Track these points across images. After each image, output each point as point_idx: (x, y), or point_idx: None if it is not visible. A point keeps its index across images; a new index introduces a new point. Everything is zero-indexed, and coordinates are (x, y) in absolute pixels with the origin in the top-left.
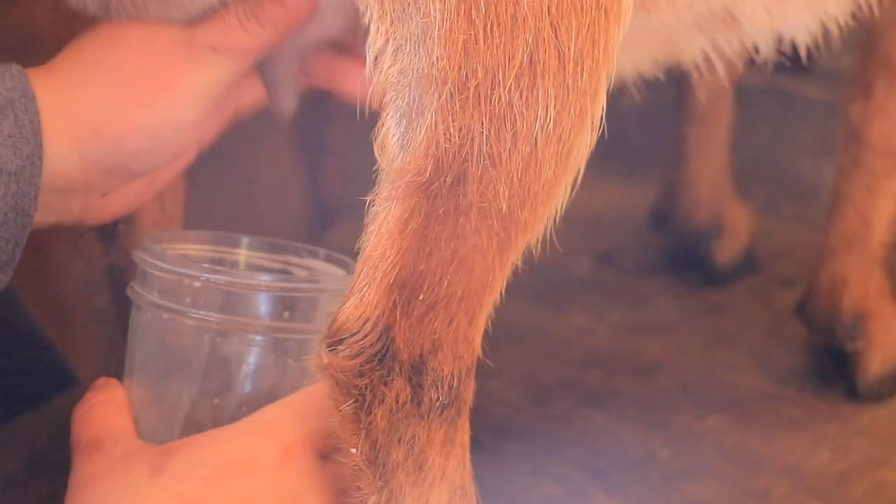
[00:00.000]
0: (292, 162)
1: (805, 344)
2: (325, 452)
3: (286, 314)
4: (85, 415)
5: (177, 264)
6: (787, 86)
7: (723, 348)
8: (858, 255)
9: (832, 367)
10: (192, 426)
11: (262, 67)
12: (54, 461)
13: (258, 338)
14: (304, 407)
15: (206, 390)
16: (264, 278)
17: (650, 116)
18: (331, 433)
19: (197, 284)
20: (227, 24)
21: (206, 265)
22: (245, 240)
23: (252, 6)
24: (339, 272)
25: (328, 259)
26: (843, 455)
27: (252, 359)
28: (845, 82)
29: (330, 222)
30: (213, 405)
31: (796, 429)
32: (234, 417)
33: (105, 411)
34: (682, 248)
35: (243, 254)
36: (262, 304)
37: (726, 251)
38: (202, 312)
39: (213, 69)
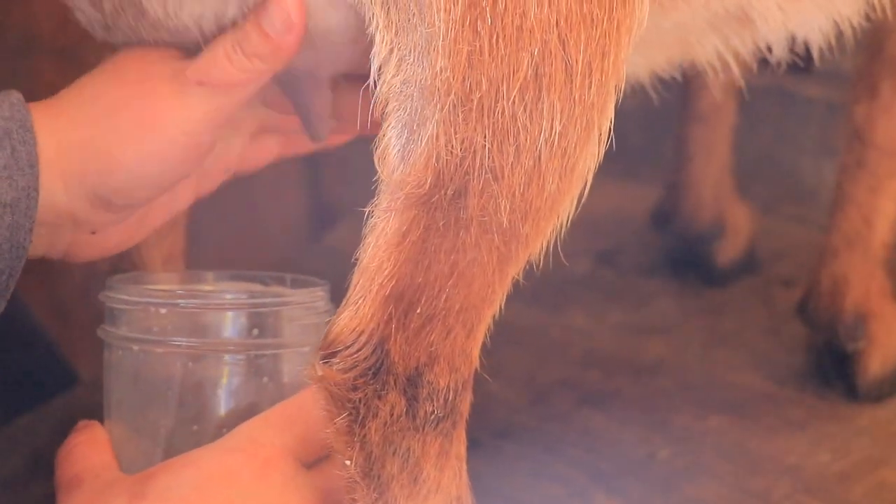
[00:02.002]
0: (292, 162)
1: (805, 344)
2: (307, 462)
3: (255, 331)
4: (66, 456)
5: (141, 295)
6: (788, 86)
7: (723, 348)
8: (860, 256)
9: (832, 367)
10: (174, 456)
11: (294, 98)
12: (54, 461)
13: (230, 358)
14: (281, 419)
15: (183, 418)
16: (229, 297)
17: (651, 117)
18: (310, 443)
19: (163, 311)
20: (214, 56)
21: (172, 293)
22: (210, 275)
23: (239, 38)
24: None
25: (294, 283)
26: (843, 455)
27: (226, 380)
28: (849, 82)
29: (330, 222)
30: (192, 432)
31: (796, 429)
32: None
33: (85, 450)
34: (683, 249)
35: (209, 288)
36: (231, 324)
37: (727, 251)
38: (172, 339)
39: (199, 103)
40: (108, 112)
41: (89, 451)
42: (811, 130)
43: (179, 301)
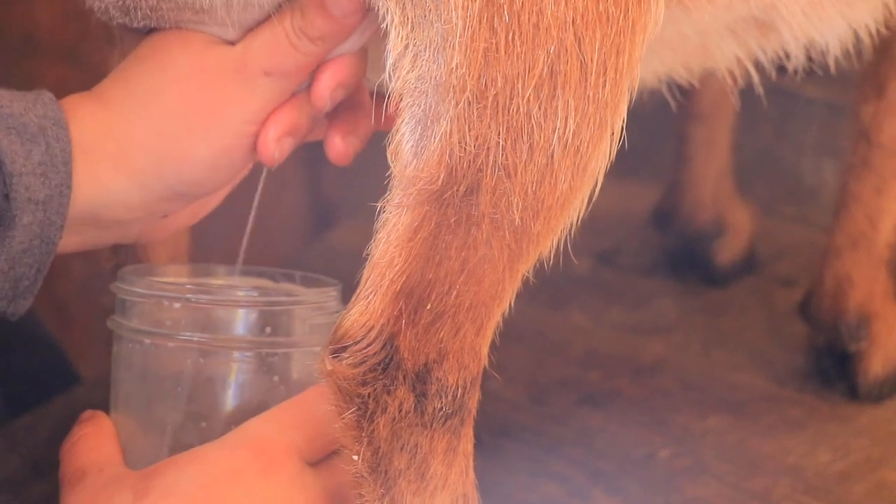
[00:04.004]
0: (292, 162)
1: (805, 344)
2: (313, 460)
3: (268, 329)
4: (71, 448)
5: (155, 288)
6: (788, 86)
7: (723, 348)
8: (864, 256)
9: (833, 367)
10: (180, 451)
11: None
12: (54, 461)
13: (242, 355)
14: (287, 417)
15: (192, 413)
16: (242, 294)
17: (651, 116)
18: (317, 441)
19: (177, 306)
20: (278, 45)
21: (185, 287)
22: (221, 269)
23: (301, 24)
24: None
25: (304, 281)
26: (843, 455)
27: (237, 377)
28: (850, 83)
29: (330, 222)
30: (200, 428)
31: (796, 429)
32: None
33: (90, 443)
34: (683, 248)
35: (221, 283)
36: (244, 321)
37: (728, 251)
38: (184, 334)
39: (266, 93)
40: (173, 111)
41: (94, 444)
42: (811, 130)
43: (192, 296)
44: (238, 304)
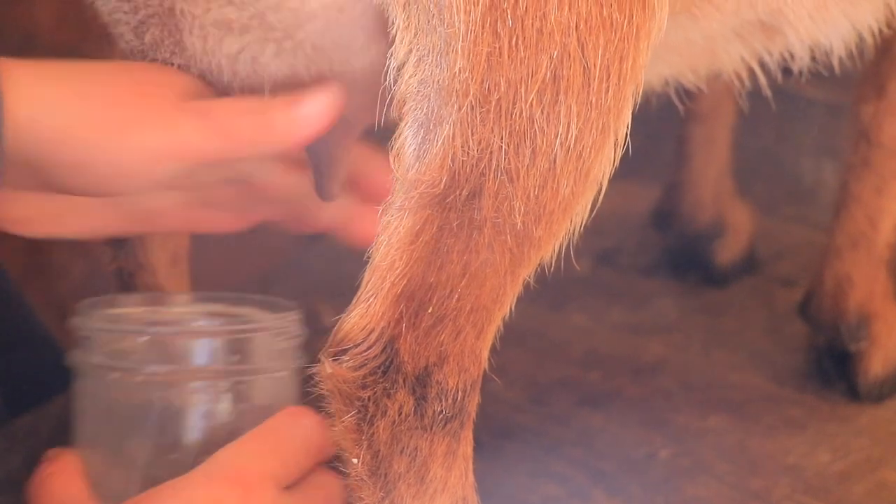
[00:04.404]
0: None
1: (805, 344)
2: (287, 484)
3: (234, 357)
4: (39, 488)
5: (117, 322)
6: (788, 86)
7: (723, 348)
8: (864, 256)
9: (833, 367)
10: (152, 485)
11: (311, 147)
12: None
13: (208, 384)
14: (259, 444)
15: (161, 446)
16: (205, 323)
17: (651, 117)
18: (289, 465)
19: (140, 340)
20: (228, 104)
21: (147, 319)
22: (181, 296)
23: (261, 104)
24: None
25: (263, 305)
26: (843, 455)
27: (204, 407)
28: (850, 83)
29: None
30: (171, 460)
31: (796, 429)
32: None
33: (59, 482)
34: (683, 248)
35: (182, 310)
36: (208, 351)
37: (727, 251)
38: (150, 367)
39: (187, 135)
40: (92, 92)
41: (62, 483)
42: (811, 130)
43: (157, 328)
44: (201, 334)
